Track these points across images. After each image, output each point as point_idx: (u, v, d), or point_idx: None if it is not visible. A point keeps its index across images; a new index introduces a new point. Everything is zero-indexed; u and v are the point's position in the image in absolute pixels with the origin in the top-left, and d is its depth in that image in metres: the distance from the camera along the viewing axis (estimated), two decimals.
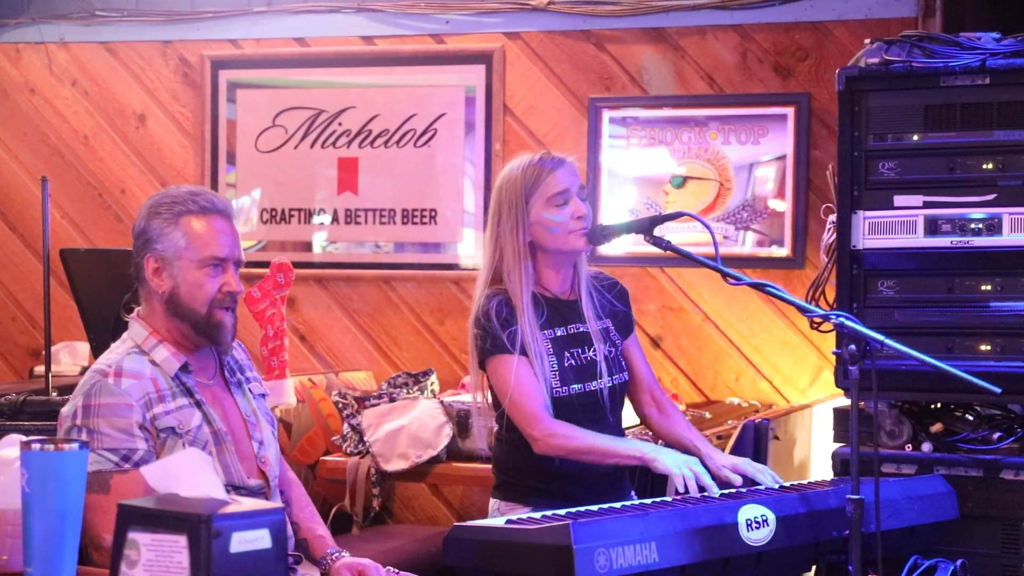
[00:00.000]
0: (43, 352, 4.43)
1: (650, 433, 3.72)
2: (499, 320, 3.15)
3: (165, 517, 1.74)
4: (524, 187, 3.21)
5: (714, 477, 3.11)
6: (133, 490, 2.52)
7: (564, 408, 3.17)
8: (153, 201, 2.79)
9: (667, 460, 3.03)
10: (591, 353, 3.24)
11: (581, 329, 3.25)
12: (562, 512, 2.78)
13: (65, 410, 2.70)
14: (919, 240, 3.66)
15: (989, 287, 3.63)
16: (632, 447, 3.10)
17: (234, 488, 2.73)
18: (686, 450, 3.33)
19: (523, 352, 3.15)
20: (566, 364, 3.20)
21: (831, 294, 3.87)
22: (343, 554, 2.89)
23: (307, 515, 2.97)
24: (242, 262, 2.84)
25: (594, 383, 3.22)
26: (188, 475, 1.87)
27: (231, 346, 2.84)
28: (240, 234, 5.37)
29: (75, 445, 1.88)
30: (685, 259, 3.12)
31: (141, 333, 2.78)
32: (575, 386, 3.20)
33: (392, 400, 4.39)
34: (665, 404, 3.40)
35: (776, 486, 3.10)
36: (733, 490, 3.05)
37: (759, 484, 3.11)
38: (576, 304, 3.28)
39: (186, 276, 2.74)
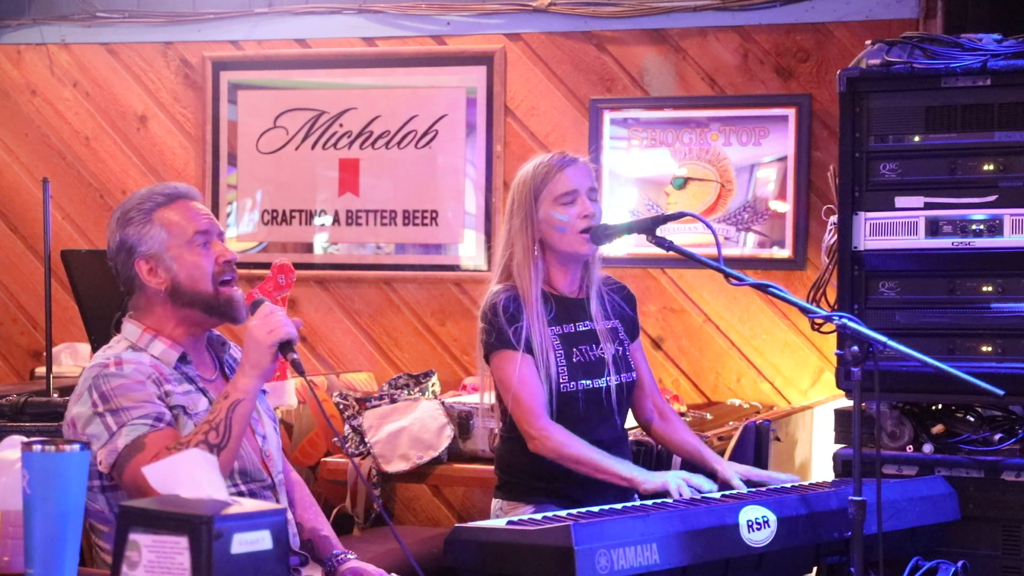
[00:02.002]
0: (44, 353, 4.43)
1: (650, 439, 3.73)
2: (505, 316, 3.17)
3: (166, 518, 1.74)
4: (534, 185, 3.24)
5: (723, 484, 3.12)
6: (166, 443, 2.54)
7: (570, 404, 3.18)
8: (118, 215, 2.79)
9: (659, 479, 3.03)
10: (599, 351, 3.25)
11: (589, 327, 3.26)
12: (563, 513, 2.79)
13: (77, 410, 2.66)
14: (920, 241, 3.66)
15: (990, 288, 3.63)
16: (624, 468, 3.09)
17: (245, 475, 2.72)
18: (688, 456, 3.34)
19: (528, 350, 3.16)
20: (574, 360, 3.21)
21: (832, 295, 3.87)
22: (349, 556, 2.88)
23: (311, 515, 2.96)
24: (223, 233, 2.86)
25: (601, 380, 3.23)
26: (190, 475, 1.87)
27: (245, 319, 2.81)
28: (241, 235, 5.42)
29: (76, 446, 1.88)
30: (687, 260, 3.12)
31: (135, 332, 2.77)
32: (583, 382, 3.20)
33: (393, 401, 4.40)
34: (667, 411, 3.42)
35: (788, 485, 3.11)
36: (732, 492, 3.06)
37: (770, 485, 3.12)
38: (584, 303, 3.29)
39: (181, 262, 2.73)
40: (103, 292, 4.40)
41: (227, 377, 2.87)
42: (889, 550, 2.77)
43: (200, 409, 2.72)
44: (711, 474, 3.17)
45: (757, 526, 2.75)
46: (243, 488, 2.72)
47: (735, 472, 3.17)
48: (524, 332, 3.16)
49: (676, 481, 2.99)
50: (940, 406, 3.76)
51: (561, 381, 3.18)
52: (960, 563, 3.04)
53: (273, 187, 5.35)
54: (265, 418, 2.88)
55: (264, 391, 2.96)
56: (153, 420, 2.60)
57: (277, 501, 2.80)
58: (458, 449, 4.25)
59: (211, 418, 2.60)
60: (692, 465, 3.30)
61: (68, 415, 2.70)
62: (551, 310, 3.23)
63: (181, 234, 2.74)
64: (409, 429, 4.26)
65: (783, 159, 4.76)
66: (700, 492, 2.98)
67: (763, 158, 4.79)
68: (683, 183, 4.87)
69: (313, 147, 5.30)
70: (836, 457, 3.69)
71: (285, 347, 2.63)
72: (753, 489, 3.11)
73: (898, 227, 3.68)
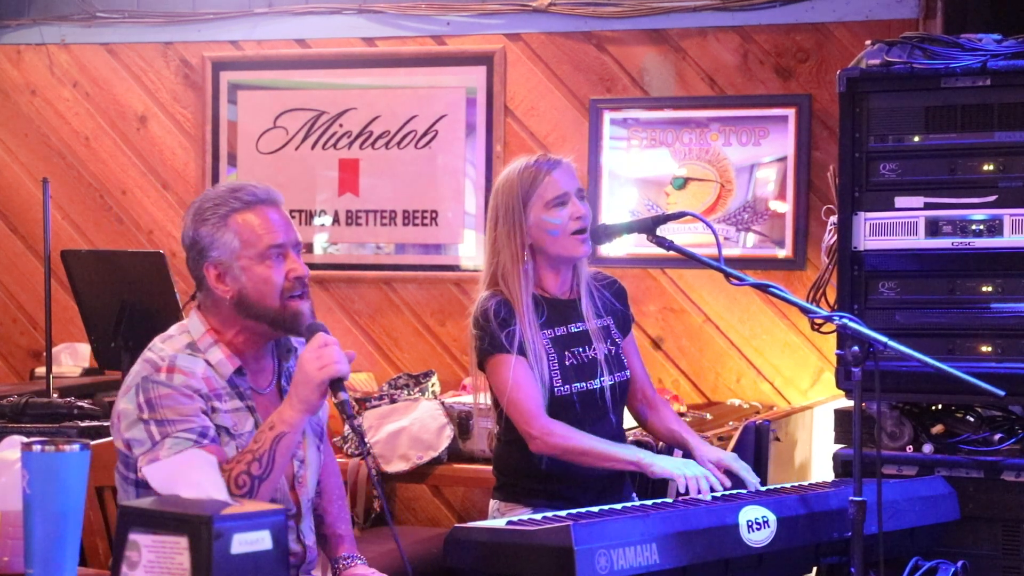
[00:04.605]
0: (44, 353, 4.44)
1: (648, 435, 3.73)
2: (497, 320, 3.16)
3: (166, 518, 1.75)
4: (521, 190, 3.21)
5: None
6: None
7: (565, 407, 3.18)
8: (196, 208, 2.70)
9: (666, 464, 3.04)
10: (591, 352, 3.24)
11: (581, 328, 3.26)
12: (563, 513, 2.79)
13: (123, 406, 2.60)
14: (920, 241, 3.66)
15: (990, 288, 3.63)
16: (629, 452, 3.10)
17: (273, 503, 2.65)
18: (675, 442, 3.36)
19: (521, 352, 3.15)
20: (567, 363, 3.21)
21: (832, 295, 3.87)
22: (358, 560, 2.85)
23: (335, 509, 2.91)
24: (301, 244, 2.75)
25: (595, 382, 3.22)
26: (190, 475, 1.87)
27: None
28: None
29: (76, 446, 1.89)
30: (687, 260, 3.13)
31: (199, 328, 2.69)
32: (576, 385, 3.20)
33: (393, 401, 4.40)
34: (656, 401, 3.42)
35: (759, 488, 3.10)
36: (733, 491, 3.06)
37: (742, 481, 3.12)
38: (575, 304, 3.28)
39: (250, 274, 2.64)
40: (103, 292, 4.42)
41: (281, 389, 2.78)
42: (889, 550, 2.77)
43: (245, 430, 2.65)
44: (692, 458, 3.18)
45: (757, 526, 2.75)
46: None
47: (708, 459, 3.14)
48: (517, 336, 3.15)
49: (688, 471, 2.98)
50: (940, 406, 3.76)
51: (555, 385, 3.18)
52: (960, 563, 3.04)
53: (273, 187, 5.34)
54: (309, 437, 2.79)
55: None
56: (197, 436, 2.54)
57: (299, 528, 2.75)
58: (458, 449, 4.25)
59: (255, 448, 2.54)
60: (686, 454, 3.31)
61: (116, 406, 2.64)
62: (542, 314, 3.22)
63: (253, 245, 2.65)
64: (409, 429, 4.26)
65: (783, 159, 4.76)
66: (712, 490, 2.97)
67: (763, 158, 4.79)
68: (683, 183, 4.87)
69: (313, 147, 5.30)
70: (836, 457, 3.69)
71: (335, 384, 2.55)
72: (752, 490, 3.11)
73: (898, 227, 3.68)
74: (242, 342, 2.70)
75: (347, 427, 4.39)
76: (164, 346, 2.68)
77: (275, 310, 2.66)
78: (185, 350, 2.66)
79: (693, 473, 2.99)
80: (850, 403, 3.29)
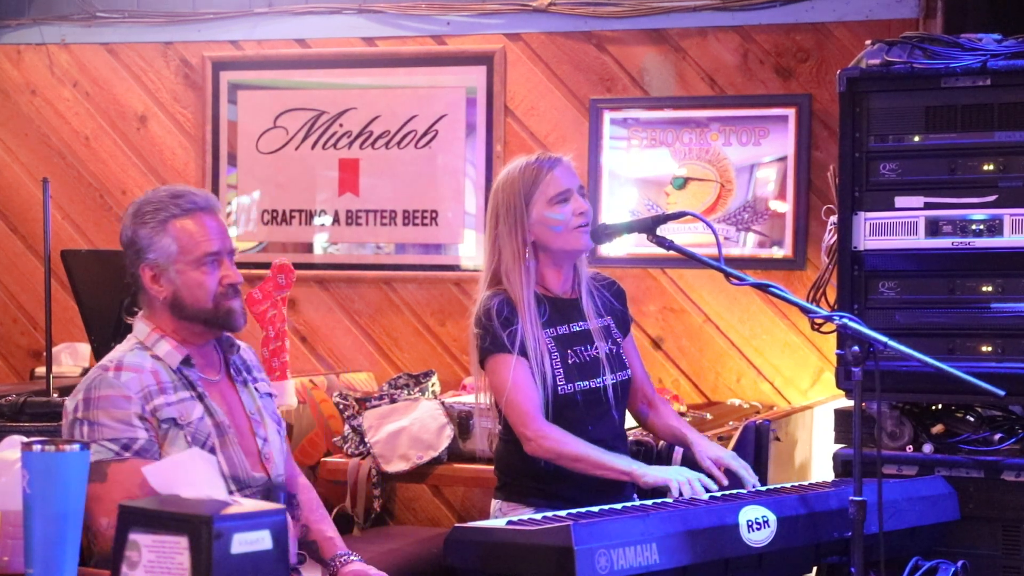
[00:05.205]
0: (44, 353, 4.43)
1: (649, 435, 3.73)
2: (499, 319, 3.17)
3: (166, 518, 1.75)
4: (523, 189, 3.22)
5: (699, 466, 3.13)
6: (130, 478, 2.53)
7: (568, 406, 3.18)
8: (135, 209, 2.81)
9: (658, 473, 3.03)
10: (593, 351, 3.25)
11: (583, 327, 3.26)
12: (563, 513, 2.79)
13: (68, 405, 2.73)
14: (920, 241, 3.66)
15: (990, 288, 3.63)
16: (623, 462, 3.10)
17: (237, 482, 2.73)
18: (676, 440, 3.37)
19: (523, 353, 3.16)
20: (570, 362, 3.21)
21: (832, 295, 3.87)
22: (352, 557, 2.89)
23: (317, 517, 2.98)
24: (235, 251, 2.87)
25: (597, 380, 3.23)
26: (190, 475, 1.87)
27: (243, 326, 2.86)
28: (241, 235, 5.42)
29: (76, 446, 1.89)
30: (687, 260, 3.13)
31: (144, 330, 2.82)
32: (579, 383, 3.21)
33: (393, 401, 4.39)
34: (655, 400, 3.44)
35: (756, 487, 3.11)
36: (732, 491, 3.06)
37: (740, 479, 3.12)
38: (577, 303, 3.29)
39: (185, 278, 2.77)
40: (103, 292, 4.41)
41: (232, 379, 2.88)
42: (889, 550, 2.77)
43: (194, 418, 2.73)
44: (692, 458, 3.19)
45: (757, 526, 2.75)
46: (236, 495, 2.72)
47: (708, 456, 3.16)
48: (519, 336, 3.16)
49: (680, 477, 2.99)
50: (940, 406, 3.76)
51: (558, 384, 3.18)
52: (960, 563, 3.05)
53: (273, 187, 5.35)
54: (269, 421, 2.90)
55: (271, 394, 2.98)
56: (120, 447, 2.62)
57: (277, 501, 2.80)
58: (458, 449, 4.25)
59: None
60: (688, 460, 3.31)
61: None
62: (545, 312, 3.22)
63: (190, 252, 2.77)
64: (409, 429, 4.26)
65: (783, 159, 4.76)
66: (706, 490, 2.98)
67: (763, 158, 4.79)
68: (683, 183, 4.87)
69: (313, 147, 5.30)
70: (836, 457, 3.69)
71: None
72: (751, 489, 3.11)
73: (898, 227, 3.68)
74: (181, 340, 2.81)
75: (347, 427, 4.39)
76: (113, 353, 2.81)
77: (208, 311, 2.79)
78: (135, 348, 2.79)
79: (686, 478, 2.99)
80: (850, 403, 3.29)
